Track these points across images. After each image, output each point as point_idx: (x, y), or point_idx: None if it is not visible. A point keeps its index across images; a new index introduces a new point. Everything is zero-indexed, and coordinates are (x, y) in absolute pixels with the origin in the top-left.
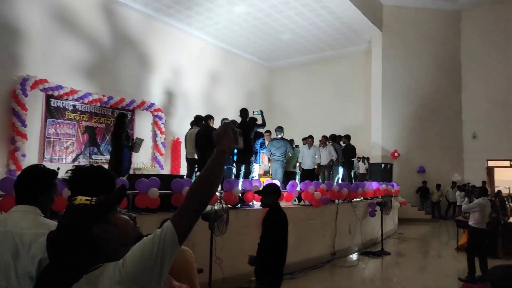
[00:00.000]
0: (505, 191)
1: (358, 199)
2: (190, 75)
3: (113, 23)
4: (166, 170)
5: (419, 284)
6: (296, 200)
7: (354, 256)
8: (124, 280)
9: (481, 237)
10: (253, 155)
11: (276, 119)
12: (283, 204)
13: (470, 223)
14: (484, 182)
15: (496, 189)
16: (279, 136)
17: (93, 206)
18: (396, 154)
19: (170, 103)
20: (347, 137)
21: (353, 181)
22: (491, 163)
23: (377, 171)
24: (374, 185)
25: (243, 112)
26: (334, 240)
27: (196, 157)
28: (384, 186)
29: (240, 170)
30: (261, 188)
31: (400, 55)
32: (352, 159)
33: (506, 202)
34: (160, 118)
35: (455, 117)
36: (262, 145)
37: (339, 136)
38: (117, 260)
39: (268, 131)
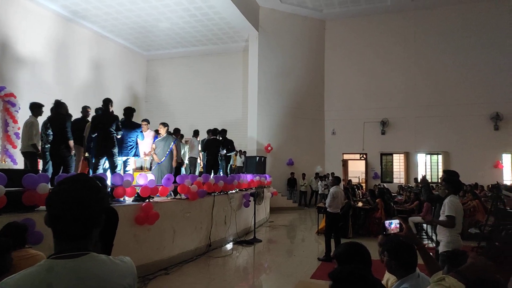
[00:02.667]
0: (355, 180)
1: (233, 191)
2: (55, 58)
3: None
4: (21, 165)
5: (286, 267)
6: (172, 194)
7: (229, 246)
8: None
9: (336, 220)
10: (116, 147)
11: (154, 110)
12: (158, 198)
13: (327, 209)
14: (333, 174)
15: (349, 179)
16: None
17: None
18: (269, 148)
19: (28, 88)
20: (224, 131)
21: (229, 174)
22: (346, 156)
23: (252, 164)
24: (248, 177)
25: (105, 102)
26: (210, 232)
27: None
28: (257, 178)
29: (99, 164)
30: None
31: (275, 55)
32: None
33: (356, 190)
34: (13, 104)
35: (319, 116)
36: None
37: (214, 129)
38: None
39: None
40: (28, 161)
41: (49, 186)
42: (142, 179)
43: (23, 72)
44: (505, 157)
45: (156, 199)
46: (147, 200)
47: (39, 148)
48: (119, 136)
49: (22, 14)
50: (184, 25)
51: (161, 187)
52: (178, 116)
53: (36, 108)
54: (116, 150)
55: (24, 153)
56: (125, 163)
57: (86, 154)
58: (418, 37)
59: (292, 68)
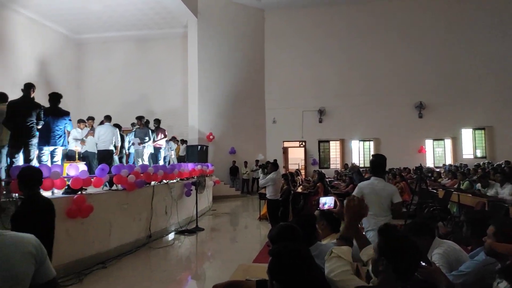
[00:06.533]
0: (295, 167)
1: (174, 180)
2: None
3: None
4: None
5: (228, 253)
6: (107, 185)
7: (170, 236)
8: None
9: (277, 206)
10: (34, 138)
11: (86, 99)
12: (91, 189)
13: (267, 195)
14: (275, 160)
15: (289, 165)
16: None
17: None
18: (211, 137)
19: None
20: (157, 121)
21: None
22: (286, 144)
23: (194, 153)
24: (190, 166)
25: (26, 87)
26: (150, 223)
27: None
28: (199, 166)
29: (17, 154)
30: None
31: (215, 43)
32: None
33: (295, 176)
34: None
35: (260, 104)
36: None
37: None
38: None
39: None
40: None
41: None
42: (73, 170)
43: None
44: (428, 143)
45: (89, 190)
46: (79, 193)
47: None
48: (39, 127)
49: None
50: (117, 7)
51: (94, 178)
52: (114, 104)
53: None
54: (34, 141)
55: None
56: (52, 154)
57: None
58: (350, 31)
59: (232, 56)
